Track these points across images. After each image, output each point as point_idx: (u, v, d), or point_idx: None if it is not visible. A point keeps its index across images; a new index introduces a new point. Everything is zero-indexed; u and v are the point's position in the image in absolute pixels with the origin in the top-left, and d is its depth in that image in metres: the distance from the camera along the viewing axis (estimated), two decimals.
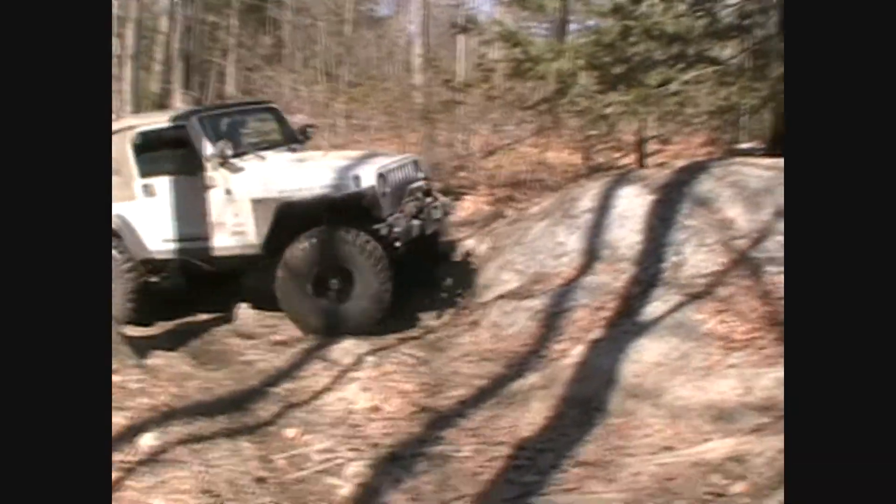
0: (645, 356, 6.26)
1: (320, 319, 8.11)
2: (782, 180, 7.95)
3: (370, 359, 7.16)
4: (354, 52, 26.10)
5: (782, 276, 6.87)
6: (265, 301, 8.64)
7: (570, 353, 6.61)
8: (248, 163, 8.59)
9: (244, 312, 8.84)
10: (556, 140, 17.06)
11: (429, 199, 8.81)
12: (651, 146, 16.10)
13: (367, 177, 8.17)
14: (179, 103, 20.19)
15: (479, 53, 27.04)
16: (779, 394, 5.60)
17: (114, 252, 8.62)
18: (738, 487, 4.69)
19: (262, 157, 8.77)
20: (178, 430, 5.57)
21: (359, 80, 22.36)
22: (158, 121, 9.05)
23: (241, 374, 7.24)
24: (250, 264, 8.78)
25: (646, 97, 13.67)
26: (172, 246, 8.81)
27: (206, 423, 5.87)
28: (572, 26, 21.54)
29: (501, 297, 8.10)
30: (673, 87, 14.32)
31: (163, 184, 8.73)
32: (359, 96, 18.36)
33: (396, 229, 8.06)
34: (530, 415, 5.90)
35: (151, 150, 9.04)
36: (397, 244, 8.09)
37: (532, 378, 6.45)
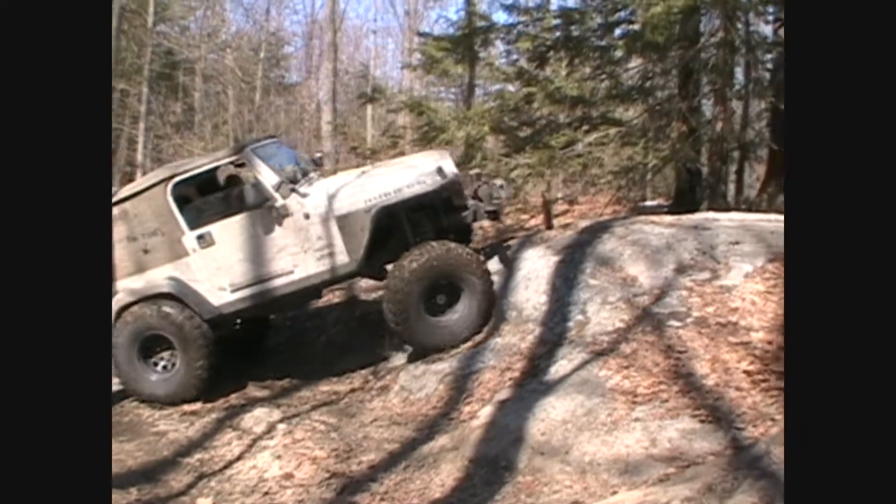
0: (552, 414, 6.34)
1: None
2: (682, 237, 8.21)
3: (281, 426, 7.16)
4: (264, 119, 26.14)
5: (683, 331, 7.07)
6: None
7: (478, 414, 6.67)
8: (314, 185, 8.42)
9: None
10: None
11: (492, 181, 9.07)
12: (558, 207, 16.35)
13: (449, 167, 8.43)
14: None
15: (387, 120, 27.34)
16: (683, 444, 5.75)
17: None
18: None
19: (317, 179, 8.65)
20: None
21: None
22: (197, 165, 8.53)
23: (152, 444, 7.18)
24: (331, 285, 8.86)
25: (551, 159, 13.95)
26: (245, 293, 8.33)
27: (118, 495, 5.82)
28: (478, 91, 21.95)
29: (411, 361, 8.14)
30: (578, 148, 14.65)
31: (222, 229, 8.28)
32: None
33: (482, 212, 8.51)
34: (440, 476, 5.95)
35: (195, 198, 8.81)
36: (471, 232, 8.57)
37: (442, 440, 6.51)
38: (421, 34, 22.83)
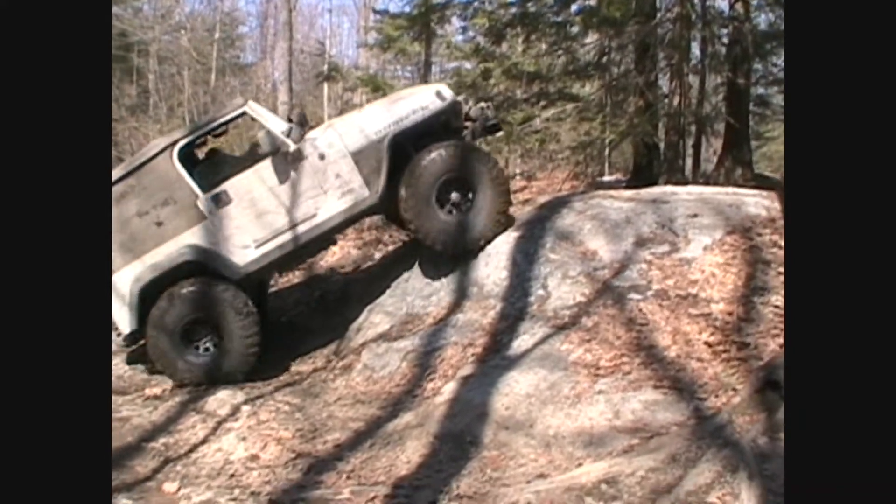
0: (515, 389, 6.37)
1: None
2: (641, 211, 8.26)
3: (245, 408, 7.10)
4: (220, 100, 25.94)
5: (644, 304, 7.12)
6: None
7: (442, 390, 6.68)
8: (317, 129, 8.36)
9: (116, 368, 8.62)
10: None
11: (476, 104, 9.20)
12: (516, 183, 16.40)
13: (446, 91, 8.56)
14: None
15: (343, 99, 27.21)
16: (646, 415, 5.81)
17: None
18: None
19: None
20: None
21: (224, 129, 22.16)
22: (200, 126, 8.43)
23: (116, 430, 7.08)
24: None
25: (508, 135, 13.99)
26: (269, 246, 8.17)
27: None
28: (434, 68, 21.94)
29: (373, 339, 8.14)
30: (535, 124, 14.71)
31: (237, 186, 8.11)
32: (224, 145, 18.14)
33: (480, 130, 8.70)
34: (406, 454, 5.95)
35: (202, 160, 8.67)
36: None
37: (406, 417, 6.51)
38: (377, 12, 22.78)
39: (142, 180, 8.02)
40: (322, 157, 8.14)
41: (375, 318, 8.51)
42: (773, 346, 6.33)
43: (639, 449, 5.47)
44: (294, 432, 6.63)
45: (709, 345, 6.51)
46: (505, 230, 8.44)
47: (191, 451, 6.53)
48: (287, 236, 8.17)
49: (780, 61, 15.89)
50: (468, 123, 8.87)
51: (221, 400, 7.33)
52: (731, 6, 14.61)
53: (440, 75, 22.17)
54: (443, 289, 8.36)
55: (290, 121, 8.56)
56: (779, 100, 17.53)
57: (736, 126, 14.53)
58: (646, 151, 15.01)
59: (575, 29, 15.66)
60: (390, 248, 10.89)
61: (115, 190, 7.92)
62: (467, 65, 19.43)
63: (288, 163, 8.09)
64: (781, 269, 7.25)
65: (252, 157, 8.40)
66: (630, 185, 13.72)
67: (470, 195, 8.27)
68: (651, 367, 6.34)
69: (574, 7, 15.69)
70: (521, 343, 7.03)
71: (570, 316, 7.20)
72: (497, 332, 7.36)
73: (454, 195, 8.23)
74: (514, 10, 15.97)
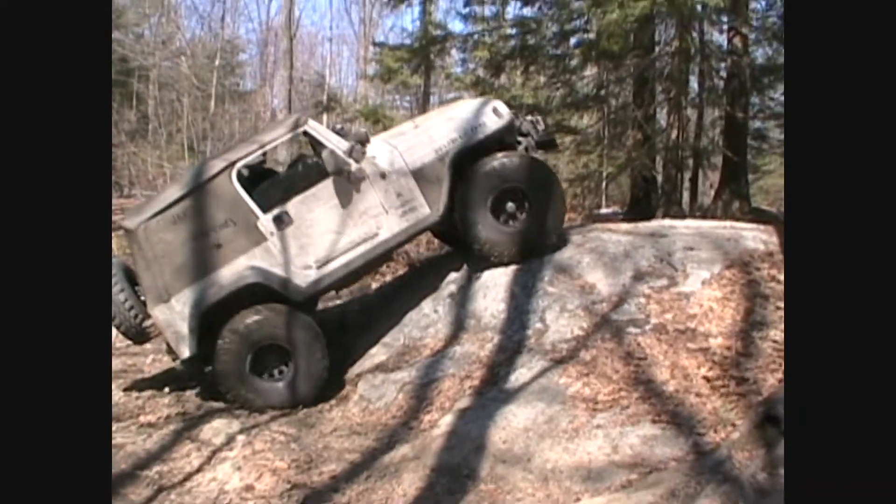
0: (513, 422, 6.35)
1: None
2: (639, 245, 8.26)
3: (241, 437, 7.06)
4: (219, 126, 26.00)
5: (642, 338, 7.11)
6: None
7: (439, 422, 6.65)
8: (374, 145, 8.25)
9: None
10: None
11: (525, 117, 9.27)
12: None
13: (502, 107, 8.60)
14: None
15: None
16: (645, 450, 5.78)
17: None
18: None
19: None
20: None
21: None
22: (256, 146, 8.16)
23: None
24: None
25: None
26: (331, 267, 8.06)
27: None
28: (433, 98, 22.01)
29: (369, 370, 8.11)
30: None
31: (298, 206, 7.96)
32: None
33: (533, 145, 8.74)
34: (402, 486, 5.91)
35: (261, 180, 8.52)
36: None
37: (403, 449, 6.47)
38: (376, 44, 22.87)
39: (199, 202, 7.87)
40: (383, 175, 8.09)
41: (372, 349, 8.46)
42: (771, 381, 6.32)
43: (637, 484, 5.45)
44: (289, 463, 6.59)
45: (707, 379, 6.49)
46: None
47: (185, 479, 6.48)
48: (348, 256, 8.09)
49: (778, 95, 16.00)
50: (521, 138, 8.87)
51: (216, 429, 7.28)
52: (730, 40, 14.71)
53: (439, 106, 22.24)
54: (440, 320, 8.33)
55: (340, 134, 8.51)
56: (776, 133, 17.62)
57: (733, 159, 14.59)
58: (643, 184, 15.05)
59: (574, 62, 15.74)
60: (388, 278, 10.87)
61: (171, 213, 7.79)
62: (466, 96, 19.50)
63: (349, 182, 8.01)
64: (780, 304, 7.25)
65: (308, 175, 8.29)
66: (627, 217, 13.74)
67: (525, 205, 8.33)
68: (649, 402, 6.32)
69: (573, 40, 15.79)
70: (518, 376, 7.01)
71: (569, 349, 7.18)
72: (495, 364, 7.34)
73: (509, 205, 8.28)
74: (513, 42, 16.06)
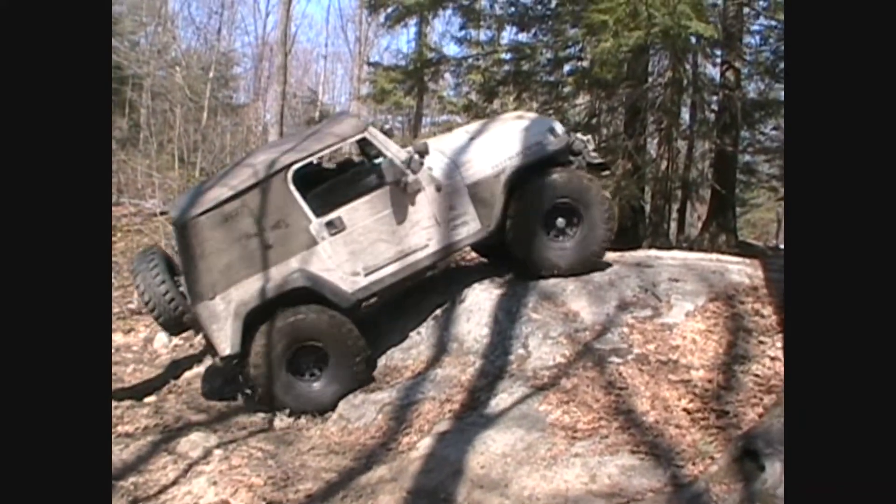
0: (491, 447, 6.31)
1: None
2: (625, 274, 8.27)
3: (218, 452, 7.02)
4: (210, 139, 25.93)
5: (624, 367, 7.10)
6: None
7: (417, 445, 6.61)
8: (431, 156, 8.20)
9: None
10: None
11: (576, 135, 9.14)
12: None
13: (559, 128, 8.69)
14: None
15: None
16: (623, 480, 5.76)
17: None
18: None
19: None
20: None
21: (213, 168, 22.17)
22: (315, 148, 8.11)
23: None
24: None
25: None
26: (379, 275, 8.08)
27: None
28: (425, 120, 22.05)
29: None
30: None
31: (352, 212, 7.96)
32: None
33: (584, 165, 8.65)
34: None
35: (315, 183, 8.46)
36: None
37: (380, 471, 6.43)
38: (371, 64, 22.91)
39: (253, 201, 7.85)
40: (438, 188, 8.11)
41: None
42: (752, 414, 6.31)
43: None
44: (266, 479, 6.55)
45: (688, 411, 6.49)
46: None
47: (160, 492, 6.44)
48: (397, 266, 8.11)
49: (768, 129, 16.09)
50: (572, 157, 8.85)
51: (194, 442, 7.25)
52: (722, 74, 14.80)
53: (430, 128, 22.30)
54: (423, 342, 8.31)
55: (387, 134, 8.57)
56: (765, 167, 17.71)
57: (722, 192, 14.66)
58: (631, 214, 15.08)
59: (567, 89, 15.81)
60: (372, 299, 10.85)
61: (224, 209, 7.76)
62: (459, 119, 19.54)
63: (405, 193, 8.01)
64: (763, 338, 7.26)
65: (362, 181, 8.36)
66: (614, 246, 13.77)
67: (575, 221, 8.36)
68: (629, 432, 6.30)
69: (567, 67, 15.86)
70: (499, 401, 6.98)
71: (550, 376, 7.16)
72: (475, 388, 7.32)
73: (559, 221, 8.31)
74: (507, 67, 16.11)
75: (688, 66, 14.17)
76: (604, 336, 7.58)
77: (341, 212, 7.95)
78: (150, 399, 9.04)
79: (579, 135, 9.07)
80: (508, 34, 17.82)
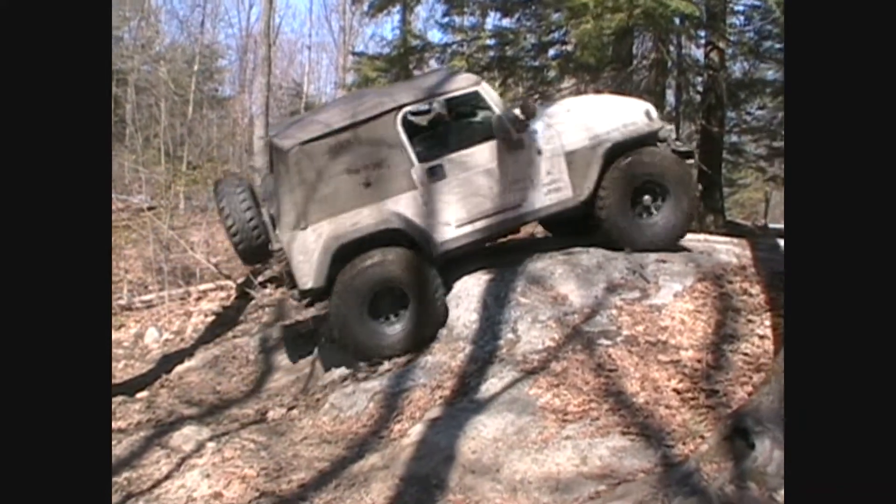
0: (482, 432, 6.34)
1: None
2: (612, 257, 8.27)
3: (210, 444, 7.04)
4: (196, 132, 25.86)
5: (613, 350, 7.12)
6: None
7: (409, 432, 6.63)
8: (535, 121, 8.29)
9: None
10: None
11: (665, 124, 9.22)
12: None
13: (654, 112, 8.74)
14: None
15: None
16: (614, 462, 5.79)
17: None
18: None
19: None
20: None
21: (200, 162, 22.11)
22: (422, 96, 8.26)
23: None
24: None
25: None
26: (469, 228, 8.14)
27: None
28: None
29: (341, 378, 8.08)
30: None
31: (454, 162, 8.04)
32: (199, 178, 18.03)
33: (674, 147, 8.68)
34: (371, 496, 5.90)
35: (422, 129, 8.53)
36: None
37: (372, 459, 6.45)
38: (355, 53, 22.82)
39: (360, 137, 7.85)
40: (539, 151, 8.20)
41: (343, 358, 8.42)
42: (741, 393, 6.34)
43: (605, 496, 5.44)
44: (259, 471, 6.57)
45: (677, 392, 6.51)
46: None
47: (154, 486, 6.47)
48: (488, 221, 8.18)
49: (754, 109, 16.09)
50: (659, 144, 8.89)
51: (186, 435, 7.27)
52: (707, 55, 14.79)
53: None
54: None
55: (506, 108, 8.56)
56: (752, 147, 17.73)
57: (709, 173, 14.65)
58: None
59: (552, 73, 15.78)
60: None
61: (329, 141, 7.76)
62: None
63: (508, 151, 8.11)
64: (751, 317, 7.29)
65: (469, 133, 8.34)
66: None
67: (661, 198, 8.45)
68: (619, 414, 6.33)
69: (551, 52, 15.82)
70: (489, 386, 7.00)
71: (539, 360, 7.18)
72: (466, 374, 7.33)
73: (646, 198, 8.40)
74: (492, 53, 16.08)
75: (672, 48, 14.17)
76: (592, 319, 7.59)
77: (444, 160, 8.03)
78: (143, 394, 9.07)
79: (667, 125, 9.19)
80: (492, 20, 17.78)
